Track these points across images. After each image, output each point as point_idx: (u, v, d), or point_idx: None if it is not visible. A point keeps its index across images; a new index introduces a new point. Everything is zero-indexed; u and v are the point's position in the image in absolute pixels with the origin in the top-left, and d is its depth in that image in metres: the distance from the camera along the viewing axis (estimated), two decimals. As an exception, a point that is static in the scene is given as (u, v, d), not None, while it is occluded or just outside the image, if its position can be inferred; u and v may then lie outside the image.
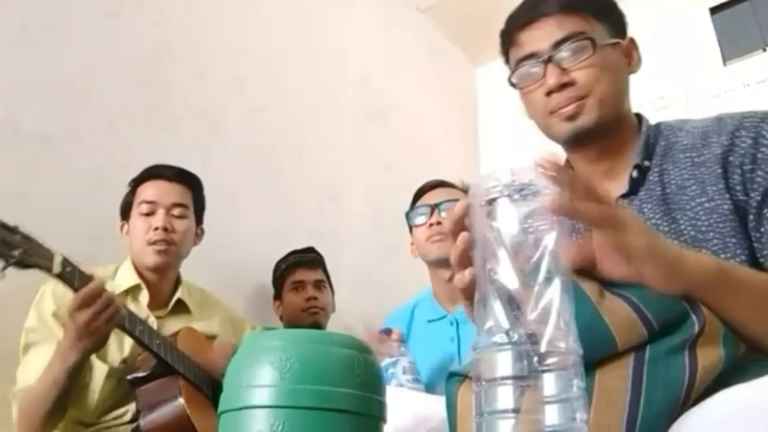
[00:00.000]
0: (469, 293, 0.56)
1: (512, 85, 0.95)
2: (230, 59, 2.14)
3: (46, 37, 1.62)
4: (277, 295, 1.97)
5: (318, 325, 1.87)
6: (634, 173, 0.86)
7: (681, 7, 2.96)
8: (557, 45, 0.87)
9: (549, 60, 0.87)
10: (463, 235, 0.56)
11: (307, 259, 1.98)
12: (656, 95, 2.82)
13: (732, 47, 2.81)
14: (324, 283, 1.98)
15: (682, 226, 0.79)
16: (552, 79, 0.87)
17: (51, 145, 1.57)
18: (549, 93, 0.88)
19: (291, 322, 1.89)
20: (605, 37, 0.89)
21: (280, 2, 2.42)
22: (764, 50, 2.75)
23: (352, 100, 2.66)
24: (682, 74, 2.86)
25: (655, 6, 2.90)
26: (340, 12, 2.74)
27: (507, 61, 0.97)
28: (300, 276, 1.94)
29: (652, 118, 0.96)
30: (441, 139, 3.23)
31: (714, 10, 2.89)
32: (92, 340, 1.13)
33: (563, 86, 0.86)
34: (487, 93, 3.60)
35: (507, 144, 3.30)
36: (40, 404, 1.17)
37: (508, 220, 0.49)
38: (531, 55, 0.89)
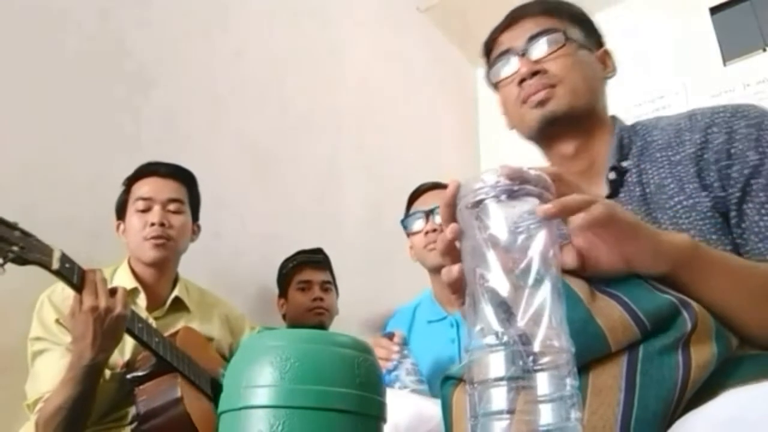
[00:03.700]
0: (456, 287, 0.57)
1: (489, 83, 0.99)
2: (230, 59, 2.14)
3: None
4: (282, 294, 1.96)
5: (322, 326, 1.86)
6: (611, 175, 0.86)
7: (681, 7, 2.96)
8: (531, 39, 0.91)
9: (524, 54, 0.91)
10: (452, 226, 0.55)
11: (315, 259, 1.97)
12: (656, 95, 2.82)
13: (732, 47, 2.82)
14: (330, 285, 1.97)
15: (663, 226, 0.79)
16: (524, 68, 0.90)
17: (51, 144, 1.58)
18: (521, 82, 0.90)
19: (295, 321, 1.88)
20: (580, 38, 0.93)
21: (279, 2, 2.42)
22: (764, 50, 2.76)
23: (351, 100, 2.66)
24: (682, 74, 2.86)
25: (655, 6, 2.90)
26: (340, 12, 2.74)
27: (490, 67, 1.00)
28: (307, 276, 1.93)
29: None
30: (441, 139, 3.23)
31: (714, 10, 2.90)
32: (107, 336, 1.11)
33: (535, 74, 0.89)
34: (487, 93, 3.58)
35: (507, 144, 3.29)
36: (61, 412, 1.12)
37: (496, 222, 0.49)
38: (507, 51, 0.94)
